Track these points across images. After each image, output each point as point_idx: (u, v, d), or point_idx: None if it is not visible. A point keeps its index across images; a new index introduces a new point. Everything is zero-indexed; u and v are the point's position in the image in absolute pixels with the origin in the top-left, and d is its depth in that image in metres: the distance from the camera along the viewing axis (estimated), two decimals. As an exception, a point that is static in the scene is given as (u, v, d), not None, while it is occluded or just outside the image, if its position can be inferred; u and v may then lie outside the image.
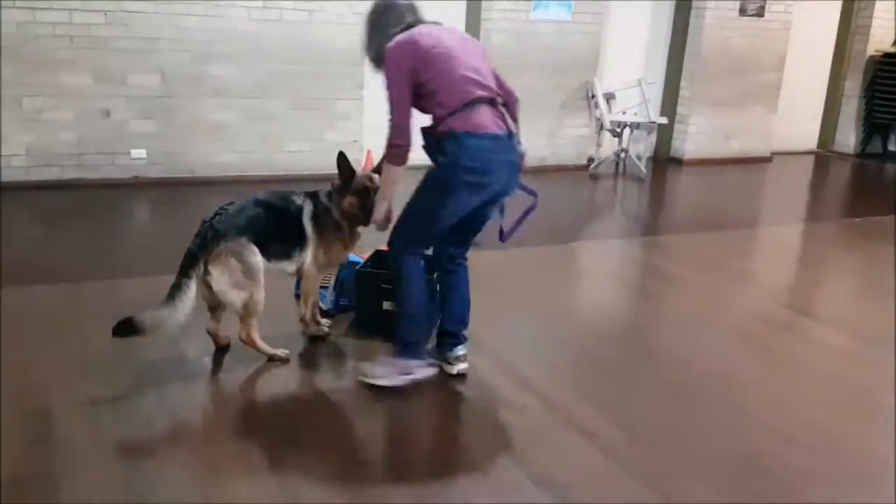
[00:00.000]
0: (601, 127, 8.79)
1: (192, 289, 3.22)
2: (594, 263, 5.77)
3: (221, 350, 3.61)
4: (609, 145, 8.99)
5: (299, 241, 3.58)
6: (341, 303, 4.12)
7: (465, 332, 3.47)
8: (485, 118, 3.03)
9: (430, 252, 3.40)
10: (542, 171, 8.50)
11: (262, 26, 6.95)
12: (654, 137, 9.38)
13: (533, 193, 3.34)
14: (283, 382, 3.44)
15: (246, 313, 3.40)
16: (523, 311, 4.46)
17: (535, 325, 4.30)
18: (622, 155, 8.81)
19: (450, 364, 3.43)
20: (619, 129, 8.69)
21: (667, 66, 9.50)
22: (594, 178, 8.55)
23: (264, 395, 3.42)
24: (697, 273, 5.35)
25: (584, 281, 5.45)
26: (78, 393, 3.18)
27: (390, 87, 3.06)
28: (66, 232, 5.52)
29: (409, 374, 3.24)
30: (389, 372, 3.25)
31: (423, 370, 3.29)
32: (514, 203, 3.36)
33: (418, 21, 3.20)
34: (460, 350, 3.44)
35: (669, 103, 9.54)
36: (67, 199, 6.33)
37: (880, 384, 3.64)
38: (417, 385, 3.32)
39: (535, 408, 3.27)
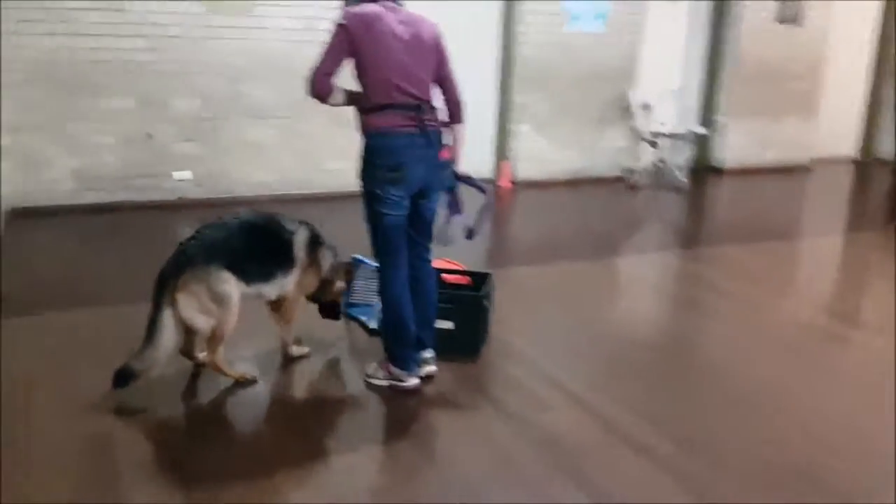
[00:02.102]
0: (639, 138, 8.74)
1: (166, 319, 3.20)
2: (638, 276, 5.70)
3: (199, 367, 3.59)
4: (647, 156, 8.93)
5: (283, 264, 3.56)
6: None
7: (431, 336, 3.58)
8: (395, 120, 3.19)
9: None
10: (577, 182, 8.48)
11: (295, 47, 7.01)
12: (692, 147, 9.30)
13: (482, 189, 3.61)
14: (332, 391, 3.47)
15: (213, 339, 3.37)
16: (569, 326, 4.42)
17: (580, 339, 4.24)
18: (661, 166, 8.75)
19: (417, 366, 3.51)
20: (656, 140, 8.63)
21: (704, 75, 9.43)
22: (633, 189, 8.48)
23: (314, 404, 3.43)
24: (742, 284, 5.26)
25: (628, 294, 5.39)
26: (133, 412, 3.23)
27: (330, 40, 3.15)
28: (115, 254, 5.59)
29: (398, 380, 3.46)
30: (382, 375, 3.50)
31: (411, 379, 3.47)
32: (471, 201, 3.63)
33: None
34: (427, 353, 3.56)
35: (707, 113, 9.46)
36: (115, 221, 6.43)
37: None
38: (460, 400, 3.44)
39: (585, 422, 3.23)
